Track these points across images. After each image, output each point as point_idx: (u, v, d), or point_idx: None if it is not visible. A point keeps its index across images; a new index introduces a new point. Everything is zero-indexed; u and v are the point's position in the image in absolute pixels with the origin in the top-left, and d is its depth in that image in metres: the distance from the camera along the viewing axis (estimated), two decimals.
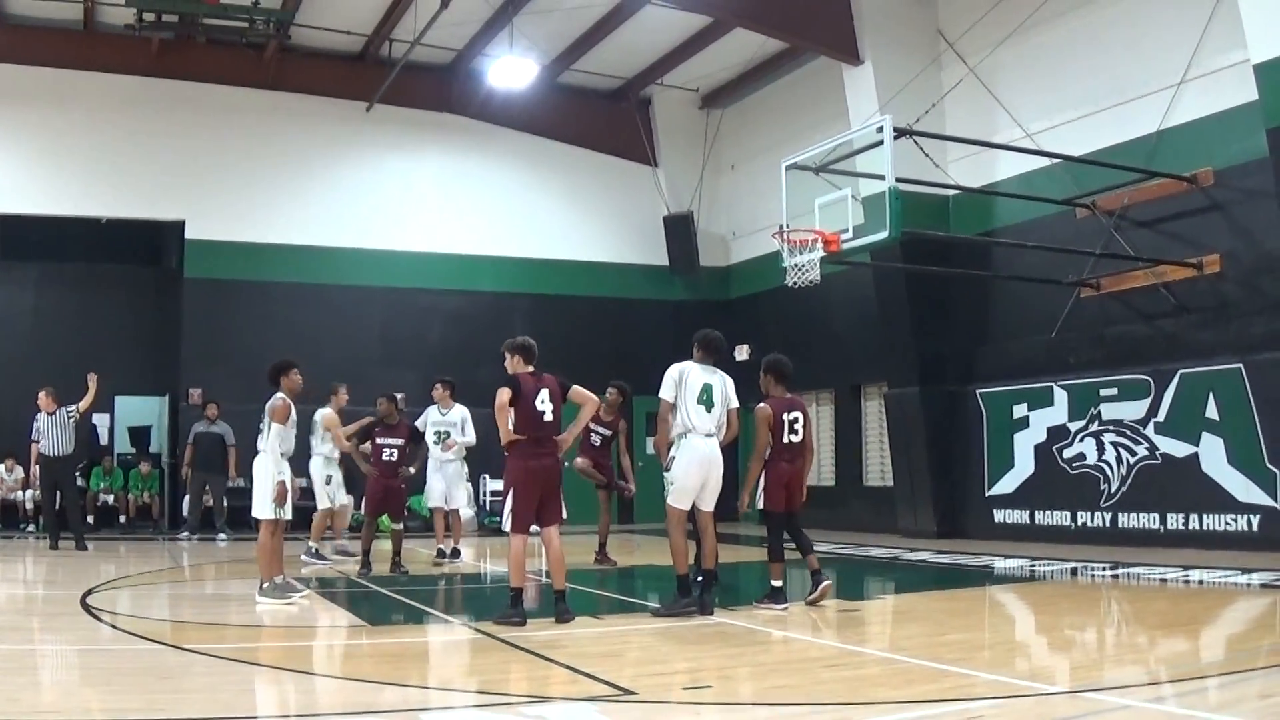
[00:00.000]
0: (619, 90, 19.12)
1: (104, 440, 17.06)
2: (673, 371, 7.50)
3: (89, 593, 8.48)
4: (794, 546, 7.96)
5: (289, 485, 8.12)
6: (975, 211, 14.26)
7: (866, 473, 16.67)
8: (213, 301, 16.67)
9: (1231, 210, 11.51)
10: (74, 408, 13.03)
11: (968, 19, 14.09)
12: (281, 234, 17.17)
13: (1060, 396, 12.97)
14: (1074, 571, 10.07)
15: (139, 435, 17.48)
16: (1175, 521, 11.60)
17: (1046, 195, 13.02)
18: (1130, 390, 12.18)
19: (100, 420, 16.78)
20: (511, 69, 16.49)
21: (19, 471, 15.47)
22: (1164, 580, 9.39)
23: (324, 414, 11.26)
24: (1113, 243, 12.47)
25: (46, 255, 16.94)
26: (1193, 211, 11.87)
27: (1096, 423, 12.52)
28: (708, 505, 7.63)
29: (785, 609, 7.49)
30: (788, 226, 11.78)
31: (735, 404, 7.70)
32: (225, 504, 15.13)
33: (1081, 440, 12.68)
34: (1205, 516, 11.31)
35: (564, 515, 7.33)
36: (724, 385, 7.60)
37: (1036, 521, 13.17)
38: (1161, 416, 11.83)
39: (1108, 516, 12.31)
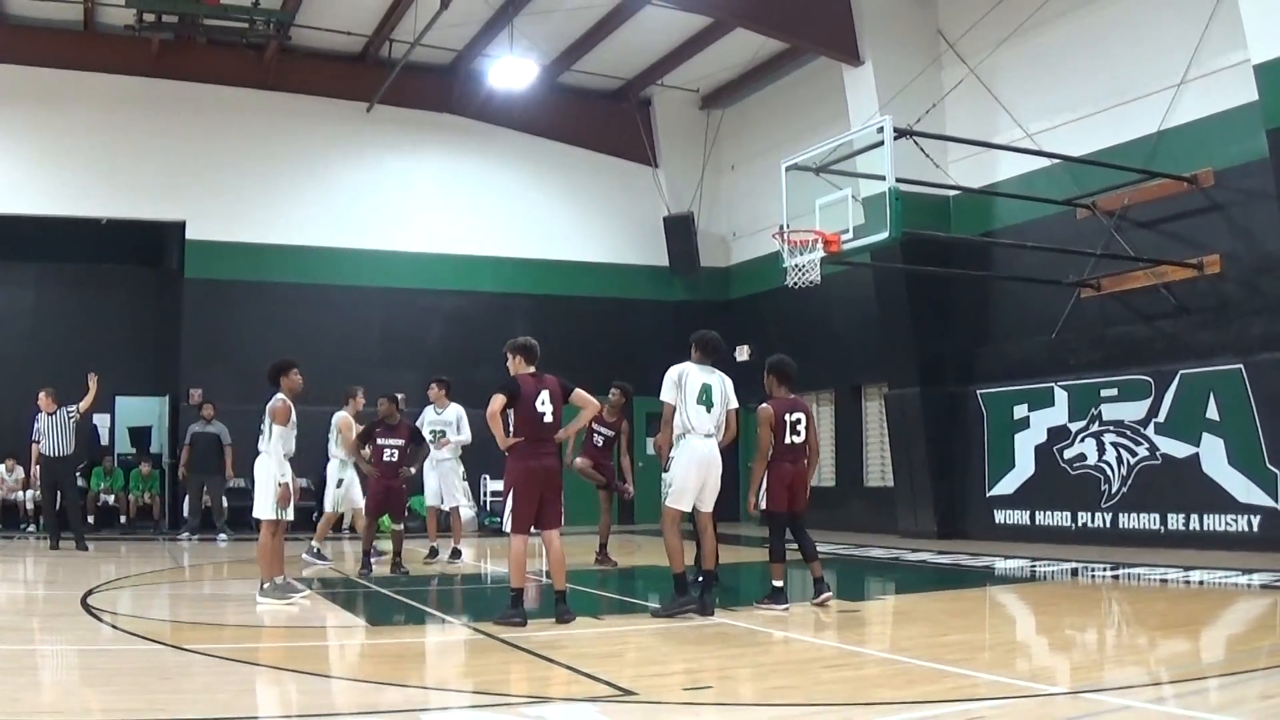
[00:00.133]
0: (619, 91, 19.13)
1: (104, 440, 17.07)
2: (672, 373, 7.50)
3: (89, 593, 8.48)
4: (796, 548, 7.96)
5: (291, 487, 8.12)
6: (975, 212, 14.26)
7: (867, 473, 16.67)
8: (213, 302, 16.67)
9: (1232, 211, 11.51)
10: (74, 408, 13.03)
11: (968, 19, 14.09)
12: (282, 234, 17.18)
13: (1061, 397, 12.97)
14: (1074, 572, 10.06)
15: (139, 435, 17.48)
16: (1176, 522, 11.60)
17: (1047, 196, 13.02)
18: (1131, 391, 12.18)
19: (101, 420, 16.79)
20: (511, 69, 16.49)
21: (19, 472, 15.47)
22: (1164, 581, 9.38)
23: (340, 417, 11.27)
24: (1113, 243, 12.46)
25: (46, 255, 16.95)
26: (1193, 212, 11.87)
27: (1097, 423, 12.52)
28: (707, 506, 7.63)
29: (786, 609, 7.48)
30: (788, 227, 11.78)
31: (734, 404, 7.70)
32: (225, 504, 15.15)
33: (1082, 441, 12.68)
34: (1206, 517, 11.31)
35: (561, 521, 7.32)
36: (723, 385, 7.60)
37: (1037, 522, 13.17)
38: (1162, 417, 11.83)
39: (1108, 517, 12.31)
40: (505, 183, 18.71)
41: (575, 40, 17.14)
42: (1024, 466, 13.41)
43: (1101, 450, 12.44)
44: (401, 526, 10.87)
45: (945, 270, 13.76)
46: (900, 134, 11.18)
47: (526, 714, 4.69)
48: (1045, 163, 13.12)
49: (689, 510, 7.57)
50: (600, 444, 11.17)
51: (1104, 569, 10.08)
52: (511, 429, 7.13)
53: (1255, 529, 10.85)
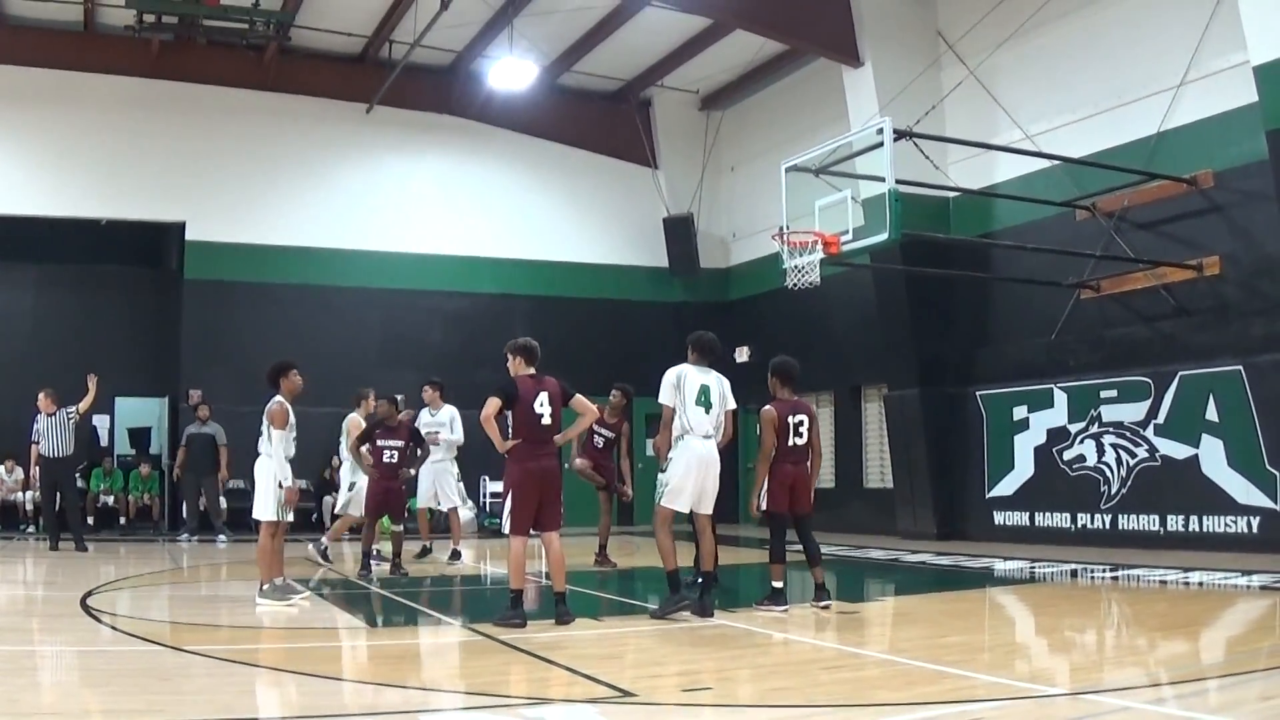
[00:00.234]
0: (619, 92, 19.13)
1: (104, 441, 17.06)
2: (670, 376, 7.49)
3: (89, 594, 8.48)
4: (800, 550, 7.96)
5: (294, 490, 8.13)
6: (975, 213, 14.26)
7: (866, 474, 16.67)
8: (213, 303, 16.66)
9: (1231, 212, 11.52)
10: (74, 409, 13.03)
11: (968, 21, 14.09)
12: (282, 235, 17.18)
13: (1060, 398, 12.97)
14: (1074, 573, 10.07)
15: (139, 436, 17.47)
16: (1175, 523, 11.59)
17: (1046, 197, 13.03)
18: (1130, 392, 12.18)
19: (100, 421, 16.78)
20: (511, 70, 16.48)
21: (19, 472, 15.47)
22: (1164, 582, 9.39)
23: (351, 420, 11.28)
24: (1112, 245, 12.47)
25: (46, 256, 16.94)
26: (1192, 213, 11.87)
27: (1096, 425, 12.52)
28: (706, 508, 7.61)
29: (785, 611, 7.48)
30: (788, 228, 11.79)
31: (732, 405, 7.69)
32: (224, 504, 15.15)
33: (1081, 442, 12.68)
34: (1205, 518, 11.31)
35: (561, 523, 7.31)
36: (720, 386, 7.59)
37: (1036, 523, 13.17)
38: (1161, 418, 11.83)
39: (1107, 518, 12.31)
40: (505, 184, 18.70)
41: (575, 41, 17.14)
42: (1023, 468, 13.41)
43: (1101, 451, 12.44)
44: (401, 528, 10.87)
45: (945, 272, 13.76)
46: (900, 135, 11.18)
47: (526, 715, 4.69)
48: (1045, 164, 13.12)
49: (685, 511, 7.55)
50: (601, 445, 11.16)
51: (1103, 570, 10.08)
52: (510, 430, 7.13)
53: (1255, 530, 10.85)
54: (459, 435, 11.71)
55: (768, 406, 7.85)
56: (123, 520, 16.26)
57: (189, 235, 16.71)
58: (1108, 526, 12.27)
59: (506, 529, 7.09)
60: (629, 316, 18.84)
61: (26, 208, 16.00)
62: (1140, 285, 12.27)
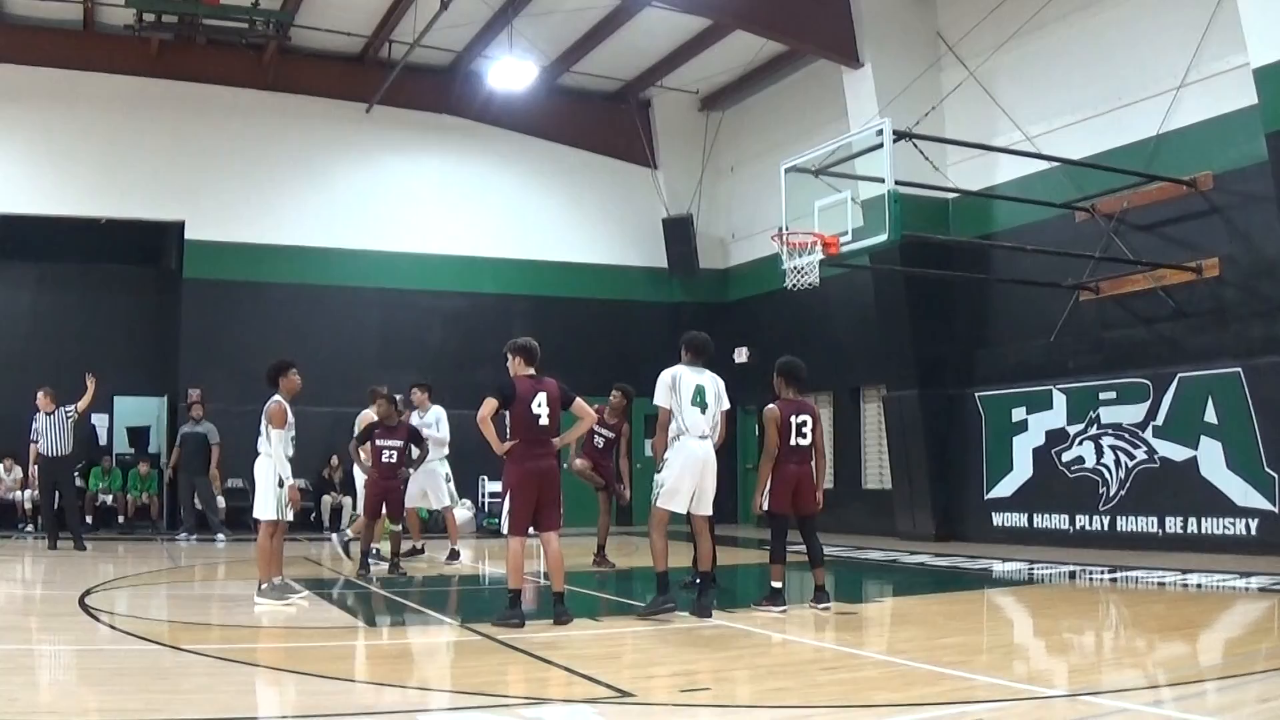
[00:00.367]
0: (619, 92, 19.13)
1: (103, 440, 17.05)
2: (665, 377, 7.48)
3: (87, 593, 8.47)
4: (803, 550, 7.96)
5: (296, 488, 8.14)
6: (974, 214, 14.26)
7: (865, 475, 16.67)
8: (212, 302, 16.66)
9: (1230, 214, 11.52)
10: (73, 408, 13.02)
11: (967, 22, 14.11)
12: (281, 235, 17.17)
13: (1059, 400, 12.98)
14: (1072, 575, 10.08)
15: (138, 435, 17.46)
16: (1174, 525, 11.60)
17: (1046, 199, 13.03)
18: (1129, 394, 12.19)
19: (99, 420, 16.76)
20: (511, 71, 16.48)
21: (18, 471, 15.45)
22: (1162, 584, 9.39)
23: (363, 417, 11.29)
24: (1112, 246, 12.47)
25: (46, 255, 16.93)
26: (1192, 215, 11.88)
27: (1095, 426, 12.52)
28: (704, 509, 7.60)
29: (784, 611, 7.48)
30: (787, 229, 11.79)
31: (726, 405, 7.69)
32: (221, 503, 15.15)
33: (1080, 444, 12.68)
34: (1204, 520, 11.31)
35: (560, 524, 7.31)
36: (715, 386, 7.59)
37: (1035, 525, 13.17)
38: (1160, 420, 11.84)
39: (1106, 520, 12.31)
40: (504, 184, 18.70)
41: (575, 42, 17.14)
42: (1022, 469, 13.42)
43: (1100, 453, 12.44)
44: (400, 527, 10.87)
45: (944, 273, 13.76)
46: (899, 136, 11.19)
47: (524, 715, 4.69)
48: (1044, 165, 13.13)
49: (681, 511, 7.54)
50: (601, 446, 11.16)
51: (1102, 572, 10.09)
52: (508, 431, 7.12)
53: (1253, 532, 10.85)
54: (445, 433, 11.71)
55: (770, 405, 7.85)
56: (121, 519, 16.24)
57: (188, 234, 16.70)
58: (1106, 528, 12.28)
59: (505, 529, 7.08)
60: (628, 317, 18.84)
61: (26, 207, 16.00)
62: (1139, 287, 12.28)
